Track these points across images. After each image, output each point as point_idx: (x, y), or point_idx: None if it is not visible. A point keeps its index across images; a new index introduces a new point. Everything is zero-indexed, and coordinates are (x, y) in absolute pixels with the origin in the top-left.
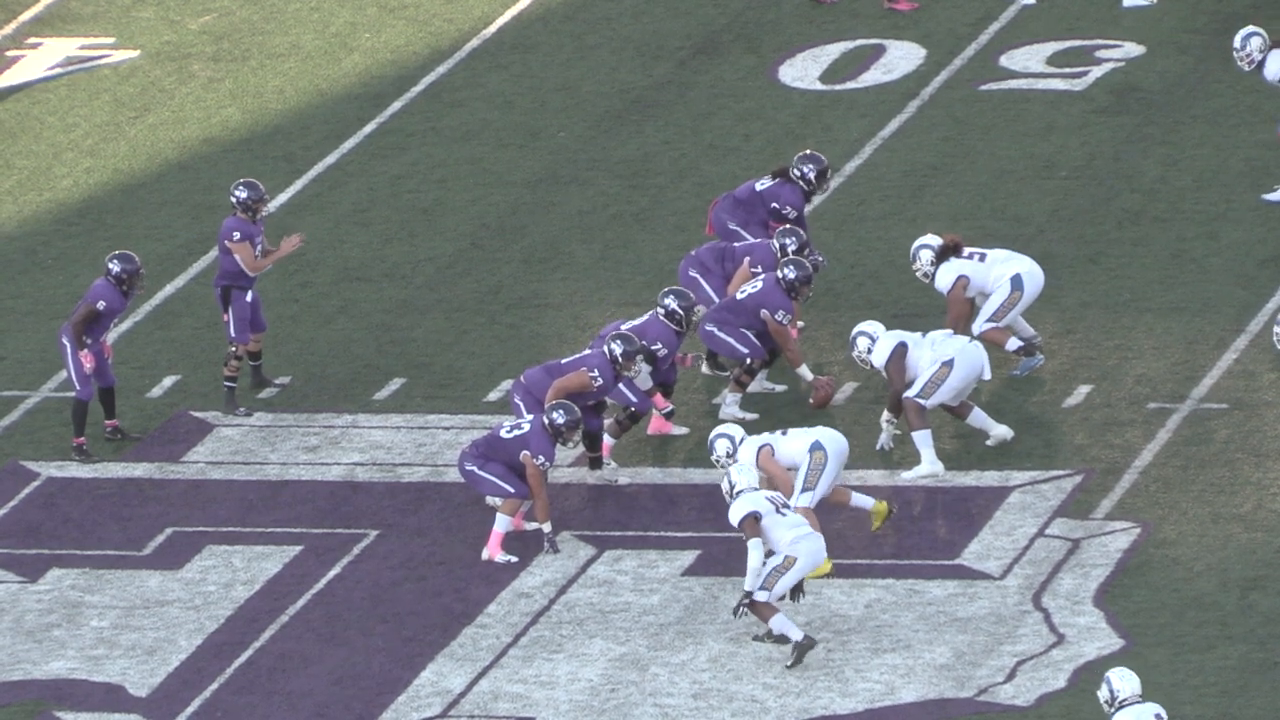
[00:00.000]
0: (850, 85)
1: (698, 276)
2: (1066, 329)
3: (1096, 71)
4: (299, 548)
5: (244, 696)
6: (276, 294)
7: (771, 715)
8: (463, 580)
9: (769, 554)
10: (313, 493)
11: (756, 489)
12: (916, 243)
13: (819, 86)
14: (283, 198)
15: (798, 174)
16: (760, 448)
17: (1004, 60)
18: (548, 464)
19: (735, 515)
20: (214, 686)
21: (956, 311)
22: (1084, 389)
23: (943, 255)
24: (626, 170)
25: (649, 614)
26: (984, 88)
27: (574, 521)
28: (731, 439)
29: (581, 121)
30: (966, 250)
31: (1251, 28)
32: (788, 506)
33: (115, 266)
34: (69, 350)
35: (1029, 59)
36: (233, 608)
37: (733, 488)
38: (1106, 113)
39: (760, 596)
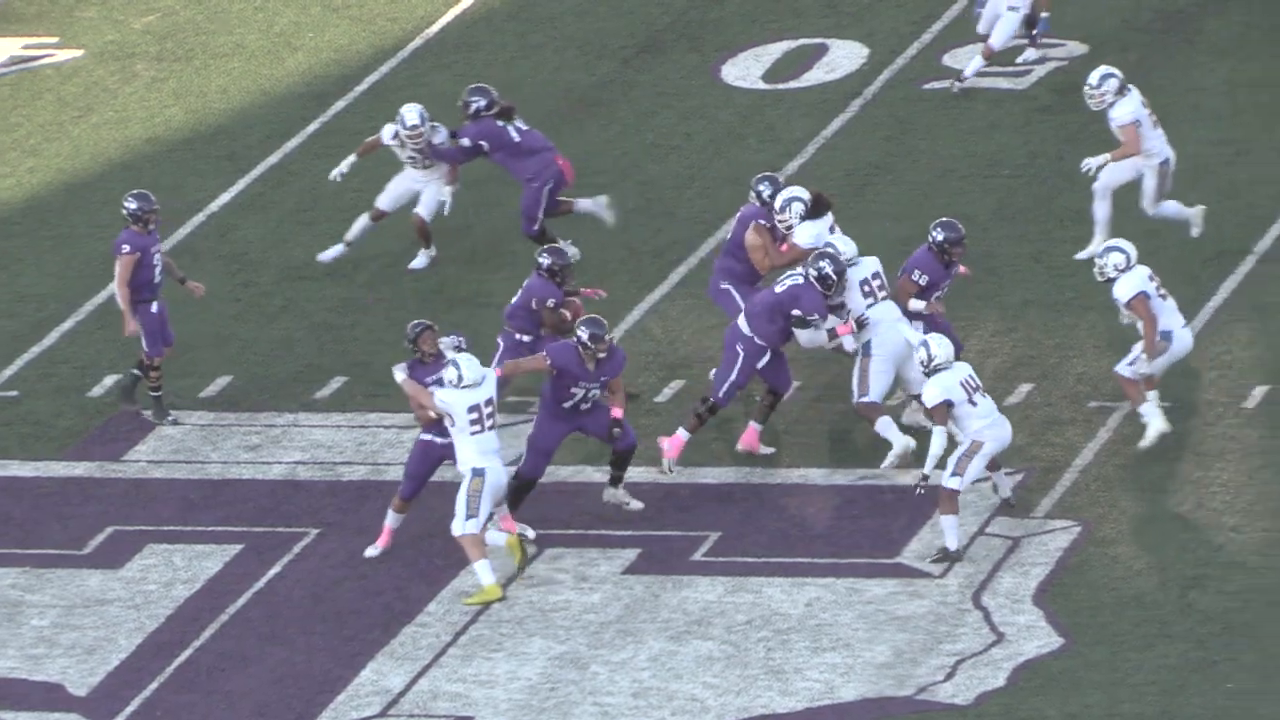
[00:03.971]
0: (793, 84)
1: (729, 288)
2: (1008, 327)
3: (1039, 70)
4: (240, 546)
5: (184, 695)
6: (218, 293)
7: (711, 714)
8: (403, 579)
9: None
10: (253, 491)
11: (951, 368)
12: (787, 192)
13: (761, 85)
14: (225, 197)
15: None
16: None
17: (947, 59)
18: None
19: (930, 398)
20: (154, 685)
21: (793, 257)
22: (1025, 387)
23: (815, 211)
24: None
25: (589, 612)
26: (927, 86)
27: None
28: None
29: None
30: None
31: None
32: (980, 392)
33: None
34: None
35: (972, 58)
36: (173, 606)
37: (930, 360)
38: (1049, 111)
39: (953, 484)
